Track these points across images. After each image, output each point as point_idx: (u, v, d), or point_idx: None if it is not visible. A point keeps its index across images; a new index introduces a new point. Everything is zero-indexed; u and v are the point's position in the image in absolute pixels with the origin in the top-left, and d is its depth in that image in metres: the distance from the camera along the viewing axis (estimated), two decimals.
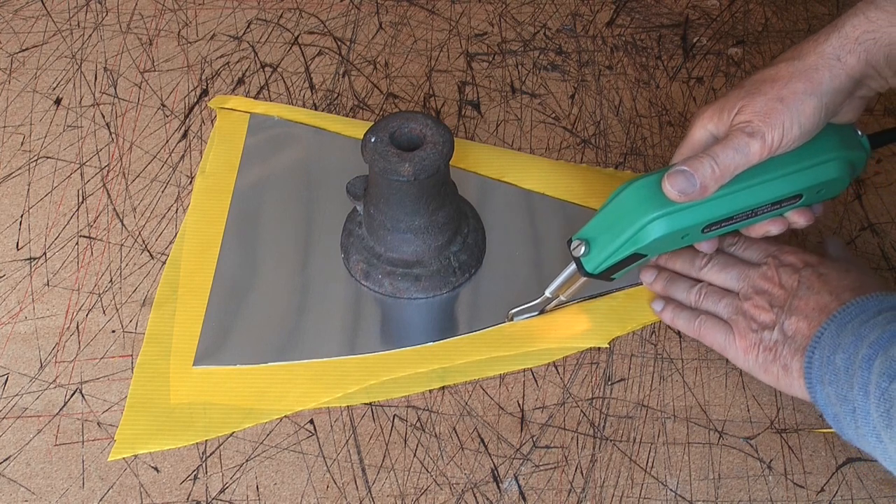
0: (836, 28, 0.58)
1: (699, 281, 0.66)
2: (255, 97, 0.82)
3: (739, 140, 0.57)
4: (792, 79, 0.57)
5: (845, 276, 0.60)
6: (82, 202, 0.75)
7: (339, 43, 0.87)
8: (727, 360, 0.65)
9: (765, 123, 0.56)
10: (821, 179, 0.60)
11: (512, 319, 0.68)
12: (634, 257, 0.60)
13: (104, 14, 0.89)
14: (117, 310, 0.69)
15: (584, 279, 0.63)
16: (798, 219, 0.62)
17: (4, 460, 0.61)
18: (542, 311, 0.68)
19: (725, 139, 0.58)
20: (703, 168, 0.57)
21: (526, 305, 0.67)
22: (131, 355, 0.66)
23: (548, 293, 0.66)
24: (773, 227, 0.62)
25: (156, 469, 0.61)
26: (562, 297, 0.67)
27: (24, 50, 0.86)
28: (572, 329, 0.67)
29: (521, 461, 0.62)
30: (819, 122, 0.58)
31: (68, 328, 0.68)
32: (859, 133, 0.62)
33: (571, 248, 0.61)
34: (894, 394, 0.49)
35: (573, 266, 0.62)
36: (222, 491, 0.60)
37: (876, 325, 0.53)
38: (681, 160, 0.58)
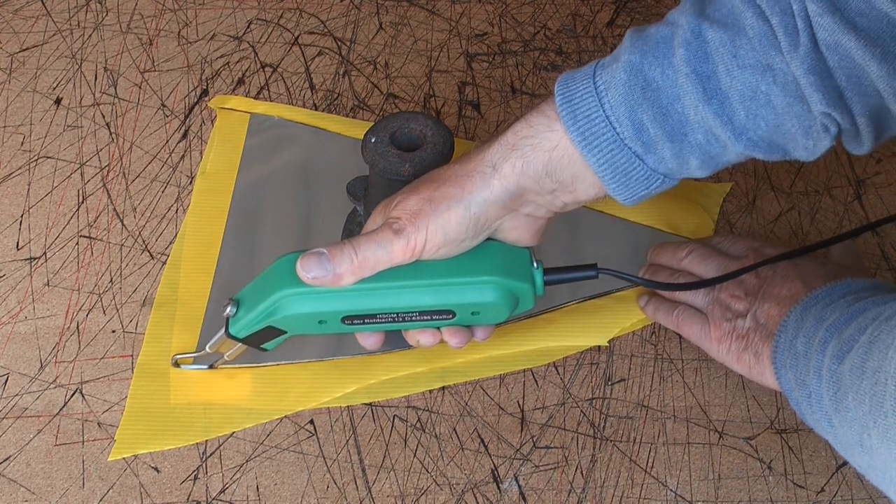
0: (499, 135, 0.55)
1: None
2: (255, 97, 0.82)
3: (384, 235, 0.53)
4: (447, 182, 0.54)
5: (821, 266, 0.60)
6: (82, 202, 0.75)
7: (339, 43, 0.87)
8: None
9: (411, 223, 0.53)
10: (472, 300, 0.55)
11: (178, 365, 0.65)
12: (273, 331, 0.57)
13: (104, 14, 0.89)
14: (117, 310, 0.69)
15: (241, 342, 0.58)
16: (451, 338, 0.58)
17: (4, 460, 0.61)
18: (211, 367, 0.64)
19: (372, 232, 0.54)
20: (341, 256, 0.53)
21: (193, 355, 0.64)
22: (131, 355, 0.66)
23: (207, 348, 0.61)
24: (423, 338, 0.58)
25: (156, 469, 0.61)
26: (226, 356, 0.62)
27: (24, 50, 0.86)
28: (572, 327, 0.67)
29: (521, 461, 0.62)
30: (466, 232, 0.54)
31: (68, 328, 0.68)
32: (535, 264, 0.57)
33: (225, 306, 0.57)
34: (843, 376, 0.48)
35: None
36: (222, 491, 0.60)
37: (836, 308, 0.53)
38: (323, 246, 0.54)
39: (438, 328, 0.58)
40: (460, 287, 0.55)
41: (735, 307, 0.61)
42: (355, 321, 0.56)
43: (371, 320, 0.56)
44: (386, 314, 0.56)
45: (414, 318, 0.56)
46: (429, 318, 0.56)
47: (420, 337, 0.58)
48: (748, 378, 0.61)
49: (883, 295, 0.52)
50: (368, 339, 0.59)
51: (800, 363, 0.53)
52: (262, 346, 0.59)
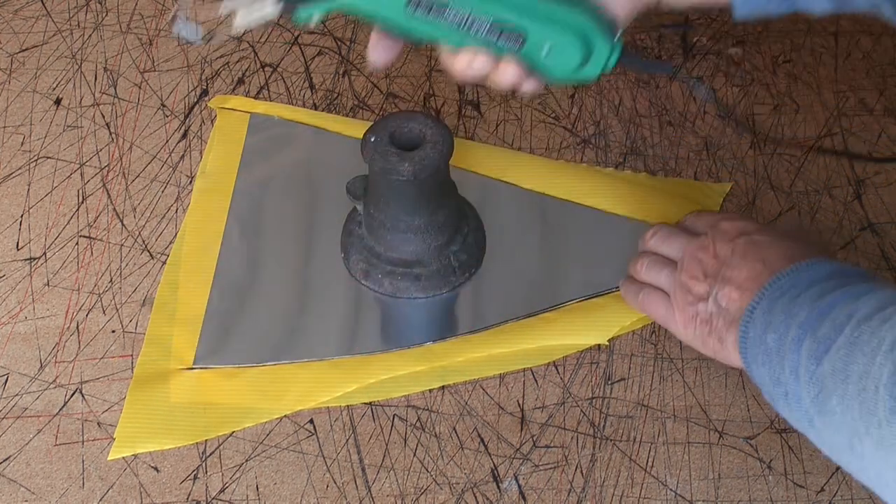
0: None
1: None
2: (255, 97, 0.82)
3: None
4: None
5: (780, 243, 0.58)
6: (82, 202, 0.75)
7: (339, 43, 0.87)
8: None
9: None
10: (555, 28, 0.53)
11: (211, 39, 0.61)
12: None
13: (104, 14, 0.89)
14: (117, 310, 0.69)
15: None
16: (505, 71, 0.54)
17: (4, 460, 0.61)
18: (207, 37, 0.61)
19: None
20: None
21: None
22: (131, 355, 0.66)
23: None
24: (477, 62, 0.54)
25: (156, 469, 0.61)
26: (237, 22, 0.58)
27: (24, 50, 0.86)
28: (572, 326, 0.67)
29: (521, 461, 0.62)
30: None
31: (68, 328, 0.68)
32: (618, 35, 0.54)
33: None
34: (824, 378, 0.47)
35: None
36: (222, 491, 0.60)
37: (805, 302, 0.52)
38: None
39: (499, 56, 0.54)
40: (549, 7, 0.53)
41: (696, 290, 0.59)
42: (420, 7, 0.53)
43: (438, 12, 0.53)
44: (459, 8, 0.52)
45: (482, 29, 0.53)
46: (497, 36, 0.53)
47: (475, 60, 0.54)
48: (713, 357, 0.60)
49: (849, 286, 0.51)
50: (380, 51, 0.56)
51: (773, 360, 0.52)
52: (310, 14, 0.57)
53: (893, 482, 0.44)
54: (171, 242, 0.72)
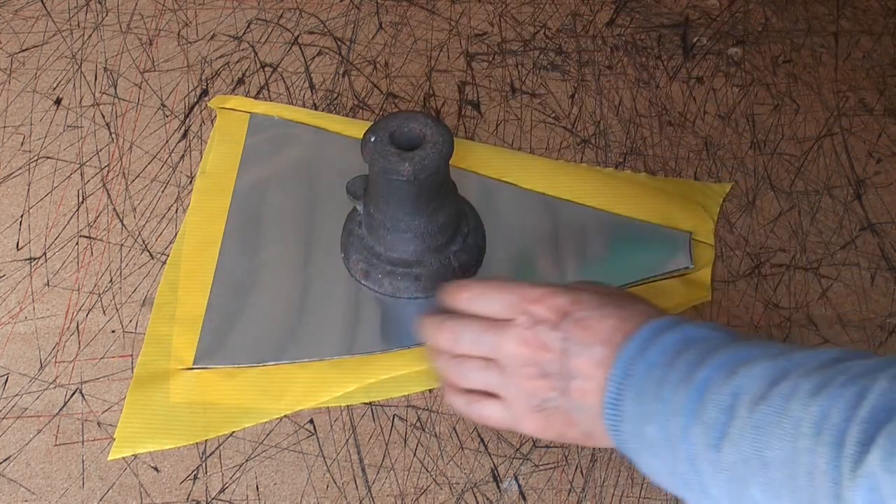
0: None
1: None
2: (255, 97, 0.82)
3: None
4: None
5: (604, 314, 0.53)
6: (82, 202, 0.75)
7: (339, 43, 0.87)
8: None
9: None
10: None
11: None
12: None
13: (104, 14, 0.89)
14: (117, 310, 0.69)
15: None
16: None
17: (4, 460, 0.61)
18: None
19: None
20: None
21: None
22: (131, 355, 0.66)
23: None
24: None
25: (156, 469, 0.61)
26: None
27: (24, 50, 0.86)
28: None
29: (521, 461, 0.62)
30: None
31: (68, 328, 0.68)
32: None
33: None
34: (733, 465, 0.44)
35: None
36: (222, 491, 0.60)
37: (674, 385, 0.48)
38: None
39: None
40: None
41: (540, 393, 0.53)
42: None
43: None
44: None
45: None
46: None
47: None
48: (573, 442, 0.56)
49: (712, 355, 0.48)
50: None
51: (662, 452, 0.49)
52: None
53: None
54: (171, 242, 0.72)
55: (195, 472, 0.61)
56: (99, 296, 0.69)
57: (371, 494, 0.60)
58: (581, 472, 0.61)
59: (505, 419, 0.55)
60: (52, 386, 0.65)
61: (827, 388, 0.43)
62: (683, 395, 0.47)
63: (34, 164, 0.77)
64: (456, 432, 0.63)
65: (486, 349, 0.55)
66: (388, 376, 0.65)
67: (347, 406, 0.64)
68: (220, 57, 0.86)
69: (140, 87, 0.83)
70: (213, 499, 0.60)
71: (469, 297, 0.57)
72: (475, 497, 0.60)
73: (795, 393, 0.44)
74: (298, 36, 0.88)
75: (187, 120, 0.80)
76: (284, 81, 0.84)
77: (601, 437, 0.52)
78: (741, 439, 0.44)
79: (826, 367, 0.44)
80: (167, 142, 0.79)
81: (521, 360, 0.54)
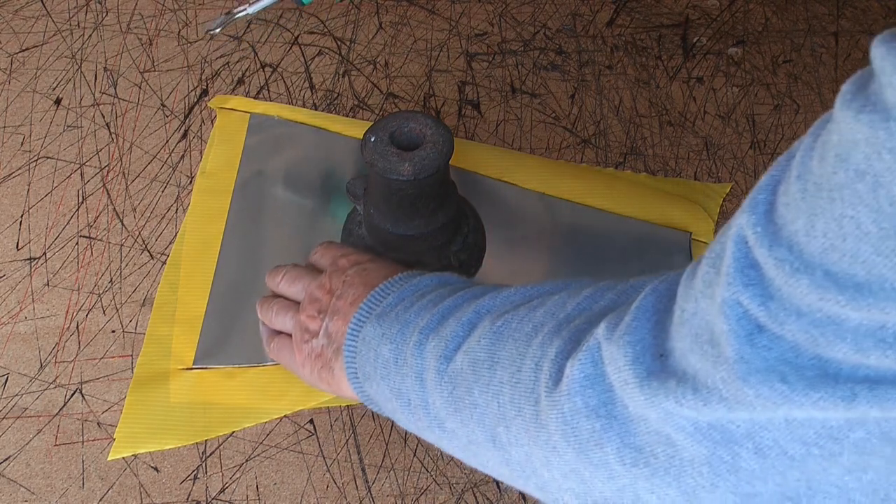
0: None
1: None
2: (255, 97, 0.82)
3: None
4: None
5: (386, 267, 0.57)
6: (82, 202, 0.75)
7: (339, 43, 0.87)
8: None
9: None
10: None
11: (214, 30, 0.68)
12: None
13: (104, 14, 0.89)
14: (117, 310, 0.69)
15: None
16: None
17: (4, 460, 0.61)
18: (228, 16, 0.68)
19: None
20: None
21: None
22: (131, 355, 0.66)
23: (251, 11, 0.67)
24: None
25: (156, 469, 0.61)
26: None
27: (24, 50, 0.86)
28: None
29: None
30: None
31: (68, 328, 0.68)
32: None
33: None
34: (459, 373, 0.46)
35: None
36: (222, 491, 0.60)
37: (422, 309, 0.50)
38: None
39: None
40: None
41: (311, 327, 0.57)
42: None
43: None
44: None
45: None
46: None
47: None
48: (331, 393, 0.58)
49: (464, 291, 0.51)
50: None
51: (391, 371, 0.50)
52: None
53: (541, 465, 0.43)
54: (171, 242, 0.72)
55: (195, 472, 0.61)
56: (99, 296, 0.69)
57: (371, 494, 0.60)
58: None
59: (288, 359, 0.59)
60: (52, 386, 0.65)
61: (575, 298, 0.45)
62: (426, 317, 0.49)
63: (34, 164, 0.77)
64: None
65: (298, 290, 0.60)
66: None
67: (347, 406, 0.64)
68: (220, 57, 0.86)
69: (140, 87, 0.83)
70: (213, 499, 0.60)
71: (313, 254, 0.63)
72: (475, 497, 0.60)
73: (543, 304, 0.45)
74: (298, 36, 0.88)
75: (187, 120, 0.80)
76: (284, 81, 0.84)
77: (337, 373, 0.55)
78: (477, 346, 0.45)
79: (580, 289, 0.46)
80: (167, 142, 0.79)
81: (310, 300, 0.58)
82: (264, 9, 0.67)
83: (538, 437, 0.42)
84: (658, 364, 0.37)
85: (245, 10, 0.68)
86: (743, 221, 0.33)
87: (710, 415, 0.35)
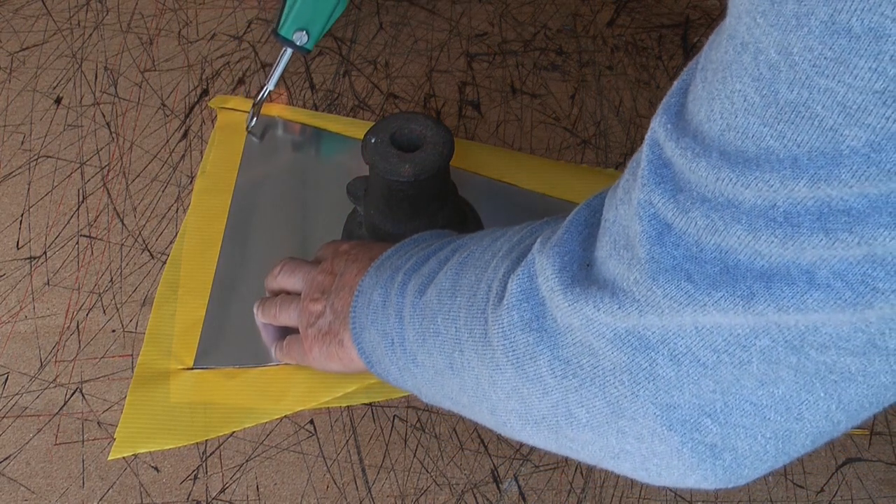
0: None
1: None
2: (256, 97, 0.82)
3: None
4: None
5: (390, 245, 0.58)
6: (82, 202, 0.75)
7: (339, 43, 0.87)
8: None
9: None
10: None
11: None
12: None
13: (104, 13, 0.89)
14: (117, 309, 0.69)
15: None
16: None
17: (4, 460, 0.61)
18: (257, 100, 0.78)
19: None
20: None
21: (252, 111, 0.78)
22: (131, 355, 0.66)
23: (270, 87, 0.77)
24: None
25: (156, 469, 0.61)
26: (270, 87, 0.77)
27: (24, 49, 0.86)
28: None
29: (521, 461, 0.62)
30: None
31: (68, 328, 0.68)
32: None
33: (296, 40, 0.74)
34: (428, 303, 0.46)
35: (289, 52, 0.75)
36: (222, 491, 0.60)
37: (412, 255, 0.51)
38: None
39: None
40: None
41: (315, 309, 0.58)
42: None
43: None
44: None
45: None
46: None
47: None
48: (344, 372, 0.59)
49: (458, 238, 0.52)
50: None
51: (379, 314, 0.51)
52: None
53: (489, 386, 0.43)
54: (171, 242, 0.72)
55: (195, 472, 0.61)
56: (99, 295, 0.69)
57: (371, 495, 0.60)
58: (581, 472, 0.61)
59: (299, 353, 0.60)
60: (52, 385, 0.65)
61: (535, 224, 0.46)
62: (413, 260, 0.50)
63: (34, 163, 0.77)
64: (456, 433, 0.63)
65: (298, 282, 0.61)
66: None
67: (348, 406, 0.64)
68: (221, 56, 0.86)
69: (140, 87, 0.83)
70: (213, 499, 0.60)
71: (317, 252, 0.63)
72: (475, 498, 0.60)
73: (505, 234, 0.46)
74: None
75: (187, 120, 0.80)
76: (284, 81, 0.84)
77: (347, 343, 0.55)
78: (444, 277, 0.47)
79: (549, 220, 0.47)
80: (167, 141, 0.79)
81: (312, 285, 0.58)
82: (279, 77, 0.77)
83: (485, 356, 0.43)
84: (583, 273, 0.38)
85: (266, 89, 0.77)
86: (656, 124, 0.34)
87: (625, 320, 0.35)
